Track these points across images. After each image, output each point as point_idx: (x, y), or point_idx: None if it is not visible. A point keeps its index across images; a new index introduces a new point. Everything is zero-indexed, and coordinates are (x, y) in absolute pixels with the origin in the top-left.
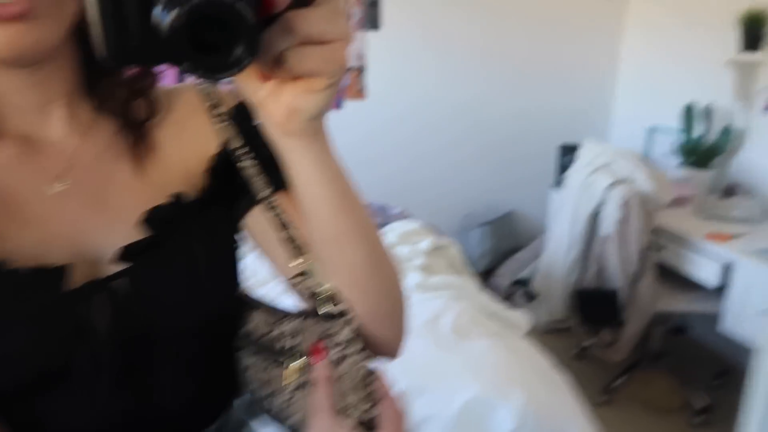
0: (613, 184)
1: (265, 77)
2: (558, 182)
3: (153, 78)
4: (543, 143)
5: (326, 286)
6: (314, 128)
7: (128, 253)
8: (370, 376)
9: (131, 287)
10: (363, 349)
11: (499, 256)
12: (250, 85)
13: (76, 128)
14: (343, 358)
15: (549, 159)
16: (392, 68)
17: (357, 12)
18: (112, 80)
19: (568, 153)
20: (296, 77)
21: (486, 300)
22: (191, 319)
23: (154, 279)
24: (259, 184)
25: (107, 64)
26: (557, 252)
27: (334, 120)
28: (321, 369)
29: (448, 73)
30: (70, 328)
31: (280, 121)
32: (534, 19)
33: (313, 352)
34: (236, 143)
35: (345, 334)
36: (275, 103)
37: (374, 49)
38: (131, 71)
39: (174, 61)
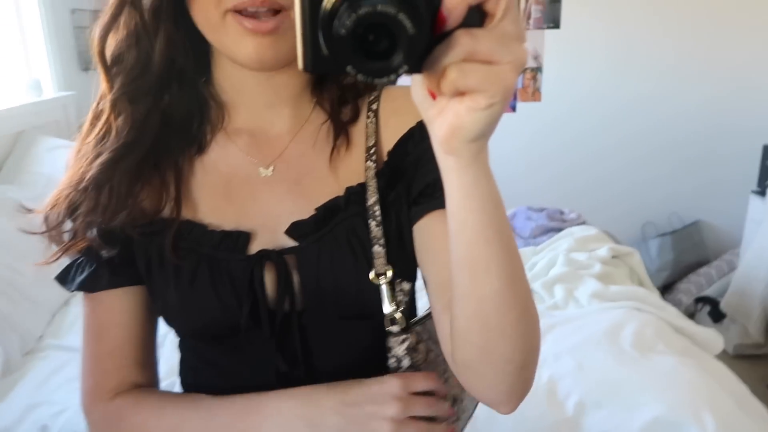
0: None
1: (433, 94)
2: (761, 188)
3: (361, 88)
4: (741, 143)
5: (393, 308)
6: (472, 152)
7: (298, 233)
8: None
9: (295, 262)
10: (414, 367)
11: (680, 270)
12: (423, 103)
13: (296, 124)
14: (397, 369)
15: (748, 161)
16: (570, 69)
17: (536, 10)
18: (331, 83)
19: None
20: (459, 93)
21: (673, 314)
22: (336, 302)
23: (313, 259)
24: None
25: (304, 71)
26: (758, 267)
27: (508, 122)
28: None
29: (630, 68)
30: (243, 287)
31: (441, 138)
32: (725, 11)
33: None
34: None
35: (401, 350)
36: (440, 120)
37: (552, 50)
38: (349, 79)
39: (345, 65)
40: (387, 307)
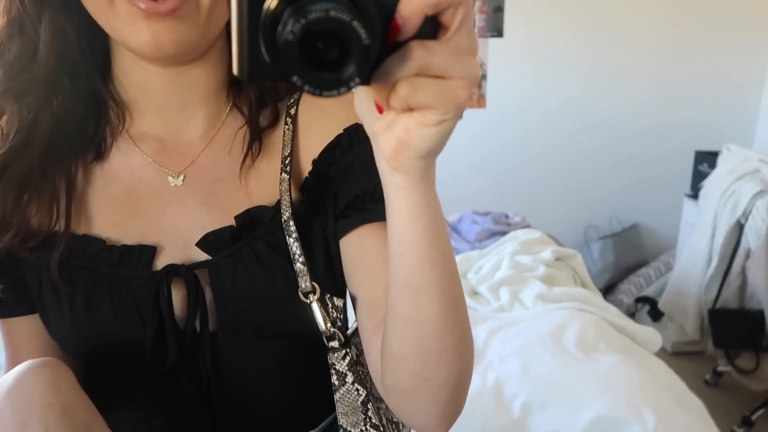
0: (761, 192)
1: (380, 108)
2: (694, 191)
3: (282, 91)
4: (674, 149)
5: (328, 326)
6: (421, 169)
7: (211, 246)
8: (367, 402)
9: (208, 278)
10: (359, 380)
11: (621, 272)
12: (368, 116)
13: (210, 128)
14: (342, 385)
15: (681, 166)
16: (513, 75)
17: (480, 18)
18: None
19: (705, 160)
20: (409, 109)
21: (614, 314)
22: (252, 321)
23: (229, 274)
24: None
25: (241, 79)
26: (692, 267)
27: (456, 127)
28: None
29: (569, 73)
30: (147, 306)
31: (388, 154)
32: (664, 30)
33: None
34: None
35: (344, 365)
36: (387, 135)
37: (496, 57)
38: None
39: (290, 75)
40: (322, 325)
